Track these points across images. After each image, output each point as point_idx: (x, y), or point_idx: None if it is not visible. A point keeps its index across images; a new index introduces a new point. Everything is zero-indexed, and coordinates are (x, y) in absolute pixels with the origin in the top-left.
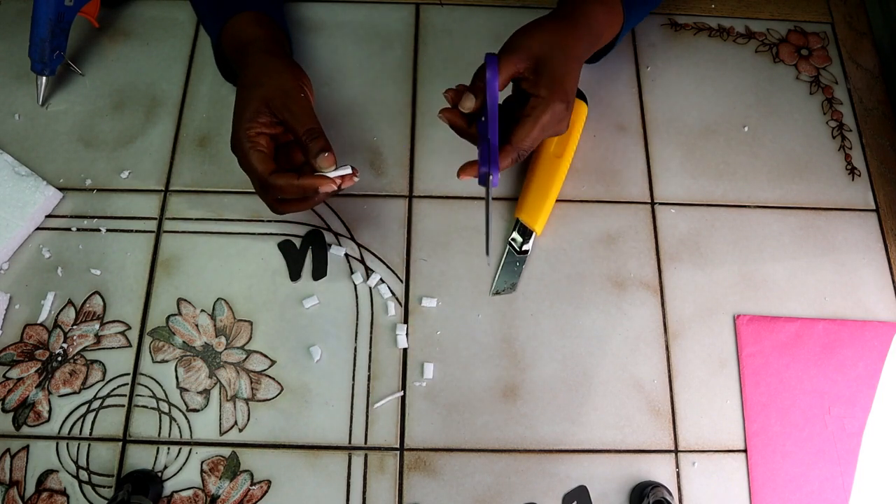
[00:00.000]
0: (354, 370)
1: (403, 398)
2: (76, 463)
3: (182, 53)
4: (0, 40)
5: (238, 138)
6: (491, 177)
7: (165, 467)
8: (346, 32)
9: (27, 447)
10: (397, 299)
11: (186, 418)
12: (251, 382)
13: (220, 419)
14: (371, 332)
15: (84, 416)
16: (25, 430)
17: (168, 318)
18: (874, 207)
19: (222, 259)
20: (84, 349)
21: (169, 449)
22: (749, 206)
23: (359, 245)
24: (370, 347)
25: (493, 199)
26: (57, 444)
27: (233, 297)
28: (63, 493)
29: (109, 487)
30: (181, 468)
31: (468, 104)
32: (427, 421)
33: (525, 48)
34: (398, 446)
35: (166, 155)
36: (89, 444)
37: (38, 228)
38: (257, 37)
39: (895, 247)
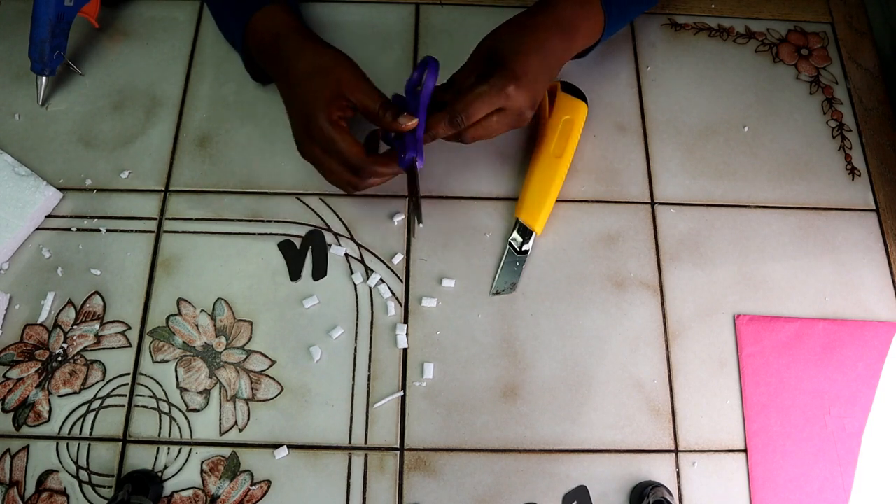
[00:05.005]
0: (354, 370)
1: (403, 398)
2: (76, 463)
3: (182, 53)
4: (0, 40)
5: (321, 127)
6: (417, 161)
7: (165, 467)
8: (346, 32)
9: (27, 447)
10: (397, 299)
11: (186, 418)
12: (251, 382)
13: (220, 419)
14: (371, 332)
15: (84, 416)
16: (25, 430)
17: (168, 318)
18: (874, 207)
19: (222, 259)
20: (84, 349)
21: (169, 449)
22: (749, 206)
23: (359, 245)
24: (370, 347)
25: (494, 198)
26: (57, 444)
27: (233, 297)
28: (63, 493)
29: (109, 487)
30: (181, 468)
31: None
32: (427, 421)
33: (479, 50)
34: (398, 446)
35: (166, 155)
36: (89, 444)
37: (38, 228)
38: (293, 26)
39: (895, 247)
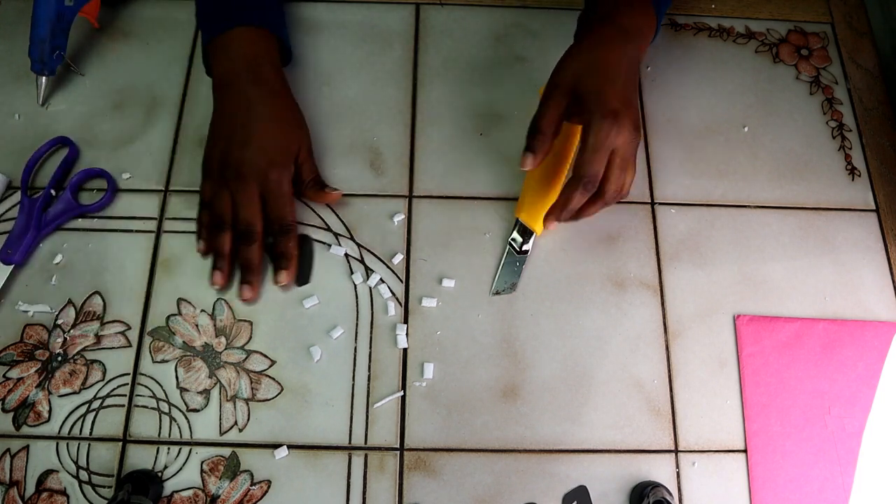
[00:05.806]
0: (354, 370)
1: (403, 398)
2: (76, 463)
3: (182, 53)
4: (0, 40)
5: (279, 179)
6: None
7: (165, 467)
8: (346, 32)
9: (27, 447)
10: (397, 299)
11: (186, 418)
12: (251, 382)
13: (220, 419)
14: (371, 332)
15: (84, 416)
16: (25, 430)
17: (168, 318)
18: (874, 207)
19: None
20: (84, 349)
21: (169, 449)
22: (749, 206)
23: (359, 245)
24: (370, 347)
25: (494, 198)
26: (57, 444)
27: (233, 297)
28: (63, 493)
29: (109, 487)
30: (181, 468)
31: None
32: (427, 421)
33: (560, 85)
34: (398, 446)
35: (166, 155)
36: (89, 444)
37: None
38: (272, 57)
39: (895, 247)
